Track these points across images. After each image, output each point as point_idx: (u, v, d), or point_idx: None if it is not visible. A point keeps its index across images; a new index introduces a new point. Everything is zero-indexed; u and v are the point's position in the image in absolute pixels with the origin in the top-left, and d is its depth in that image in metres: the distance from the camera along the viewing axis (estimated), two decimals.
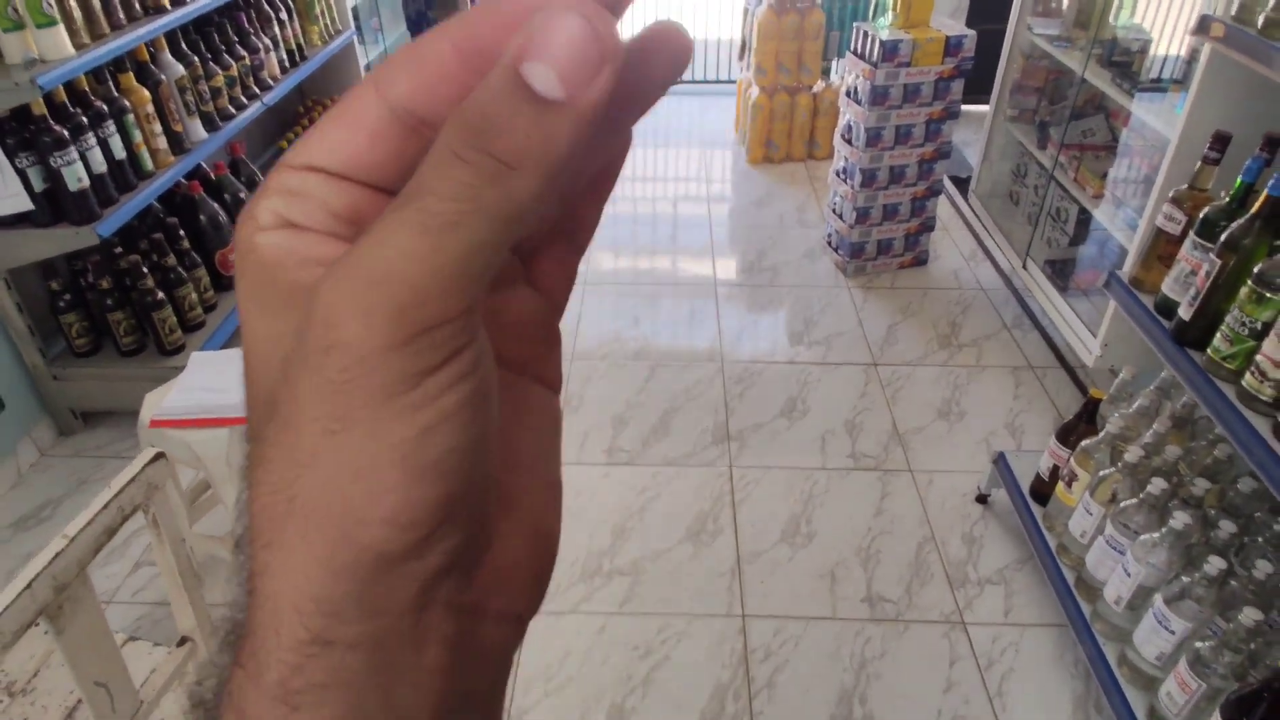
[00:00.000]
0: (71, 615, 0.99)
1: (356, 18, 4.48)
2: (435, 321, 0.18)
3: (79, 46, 2.33)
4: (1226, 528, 1.67)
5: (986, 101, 3.54)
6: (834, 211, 3.65)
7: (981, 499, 2.46)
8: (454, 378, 0.18)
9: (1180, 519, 1.66)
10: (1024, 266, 3.11)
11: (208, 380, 1.94)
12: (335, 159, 0.20)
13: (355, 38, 4.34)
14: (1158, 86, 2.65)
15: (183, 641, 1.40)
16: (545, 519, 0.24)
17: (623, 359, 3.10)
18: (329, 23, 4.08)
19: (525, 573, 0.24)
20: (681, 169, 4.85)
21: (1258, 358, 1.55)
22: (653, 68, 0.21)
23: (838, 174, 3.57)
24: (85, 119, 2.34)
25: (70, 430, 2.75)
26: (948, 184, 4.22)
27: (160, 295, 2.60)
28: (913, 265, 3.71)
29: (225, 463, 1.82)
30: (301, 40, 3.79)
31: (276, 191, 0.20)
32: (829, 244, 3.78)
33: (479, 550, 0.21)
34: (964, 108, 3.50)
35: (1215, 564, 1.57)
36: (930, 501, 2.46)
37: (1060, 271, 3.01)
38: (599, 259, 3.80)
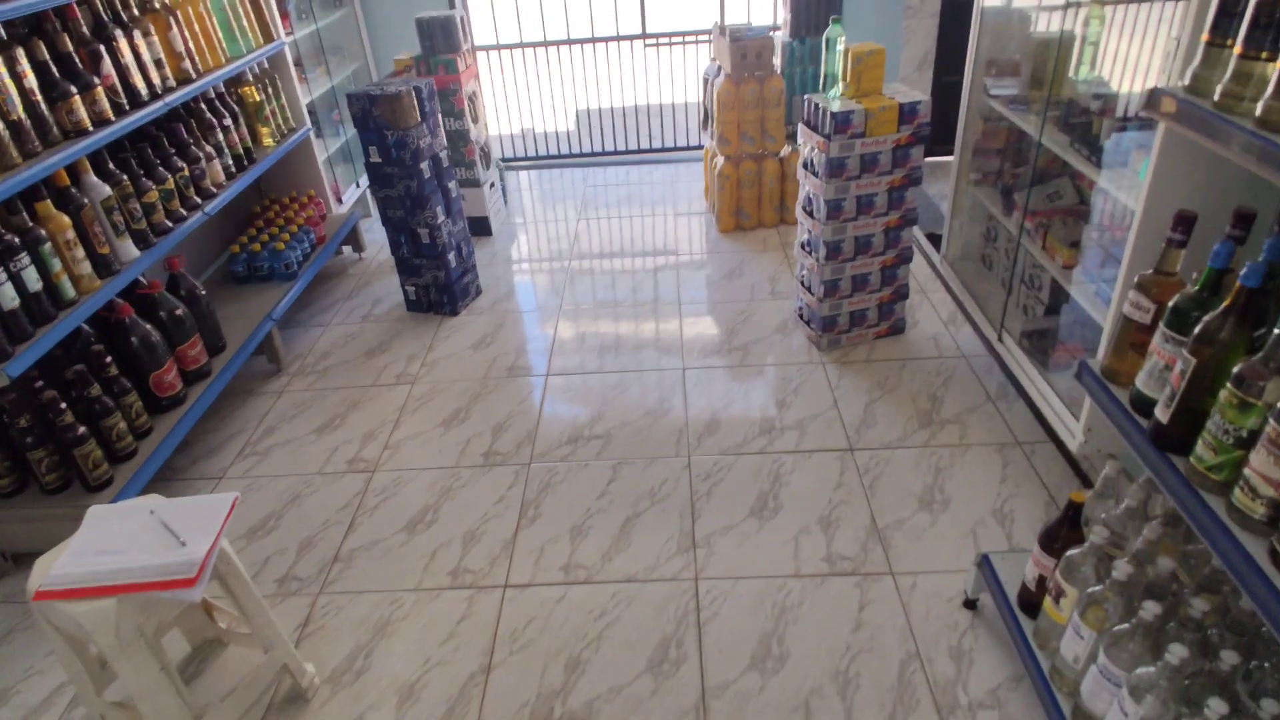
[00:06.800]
0: None
1: (313, 113, 4.43)
2: None
3: None
4: (1229, 659, 1.47)
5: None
6: (802, 284, 3.52)
7: (970, 604, 2.25)
8: None
9: (1176, 652, 1.47)
10: (1000, 340, 2.95)
11: (103, 539, 1.78)
12: None
13: (311, 133, 4.28)
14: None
15: None
16: None
17: (585, 458, 2.93)
18: (281, 122, 4.03)
19: None
20: (652, 240, 4.74)
21: (1246, 471, 1.37)
22: None
23: (802, 246, 3.45)
24: None
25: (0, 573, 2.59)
26: (924, 242, 4.09)
27: (82, 430, 2.45)
28: (889, 334, 3.56)
29: (114, 635, 1.65)
30: (250, 143, 3.72)
31: None
32: (801, 317, 3.63)
33: None
34: (936, 160, 3.35)
35: (1216, 709, 1.37)
36: (914, 609, 2.26)
37: (1039, 345, 2.84)
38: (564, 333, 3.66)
